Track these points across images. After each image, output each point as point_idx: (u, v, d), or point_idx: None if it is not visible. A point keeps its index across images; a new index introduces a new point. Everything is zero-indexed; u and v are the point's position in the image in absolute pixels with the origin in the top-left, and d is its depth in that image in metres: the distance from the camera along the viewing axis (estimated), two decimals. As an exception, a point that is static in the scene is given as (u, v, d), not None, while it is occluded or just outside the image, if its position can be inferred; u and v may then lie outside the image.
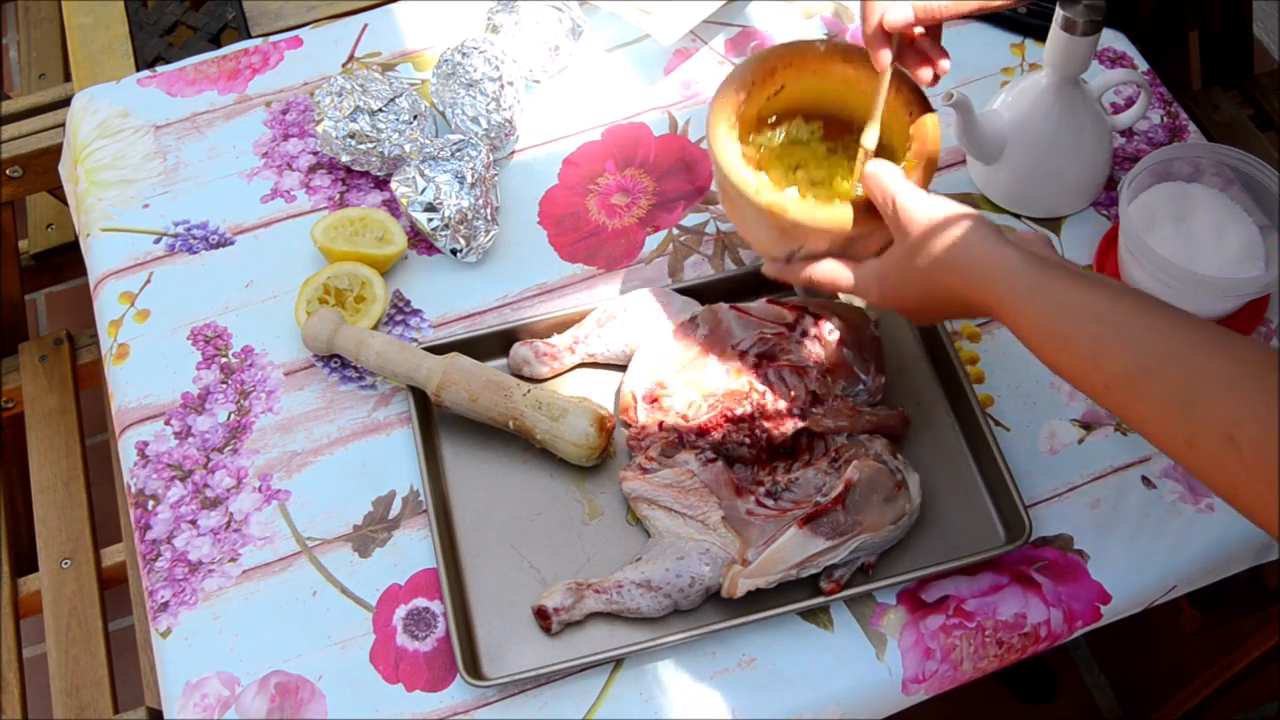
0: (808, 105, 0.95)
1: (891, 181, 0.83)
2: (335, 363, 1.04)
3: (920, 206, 0.81)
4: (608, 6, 1.22)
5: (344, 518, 0.96)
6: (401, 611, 0.92)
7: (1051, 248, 0.80)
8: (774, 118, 0.95)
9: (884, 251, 0.85)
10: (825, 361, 0.96)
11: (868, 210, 0.85)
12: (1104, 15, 0.97)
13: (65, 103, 1.36)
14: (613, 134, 1.18)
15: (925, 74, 0.90)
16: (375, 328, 1.04)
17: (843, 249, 0.87)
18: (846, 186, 0.93)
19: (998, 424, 0.99)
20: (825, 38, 0.92)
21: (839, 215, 0.85)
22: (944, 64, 0.90)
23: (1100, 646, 1.58)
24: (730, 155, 0.88)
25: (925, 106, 0.90)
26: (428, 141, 1.11)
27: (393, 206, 1.12)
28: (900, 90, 0.90)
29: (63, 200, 1.69)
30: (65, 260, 1.78)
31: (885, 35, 0.87)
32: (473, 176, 1.06)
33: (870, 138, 0.90)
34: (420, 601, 0.92)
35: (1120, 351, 0.69)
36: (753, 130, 0.94)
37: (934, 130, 0.89)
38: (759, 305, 1.01)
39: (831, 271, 0.88)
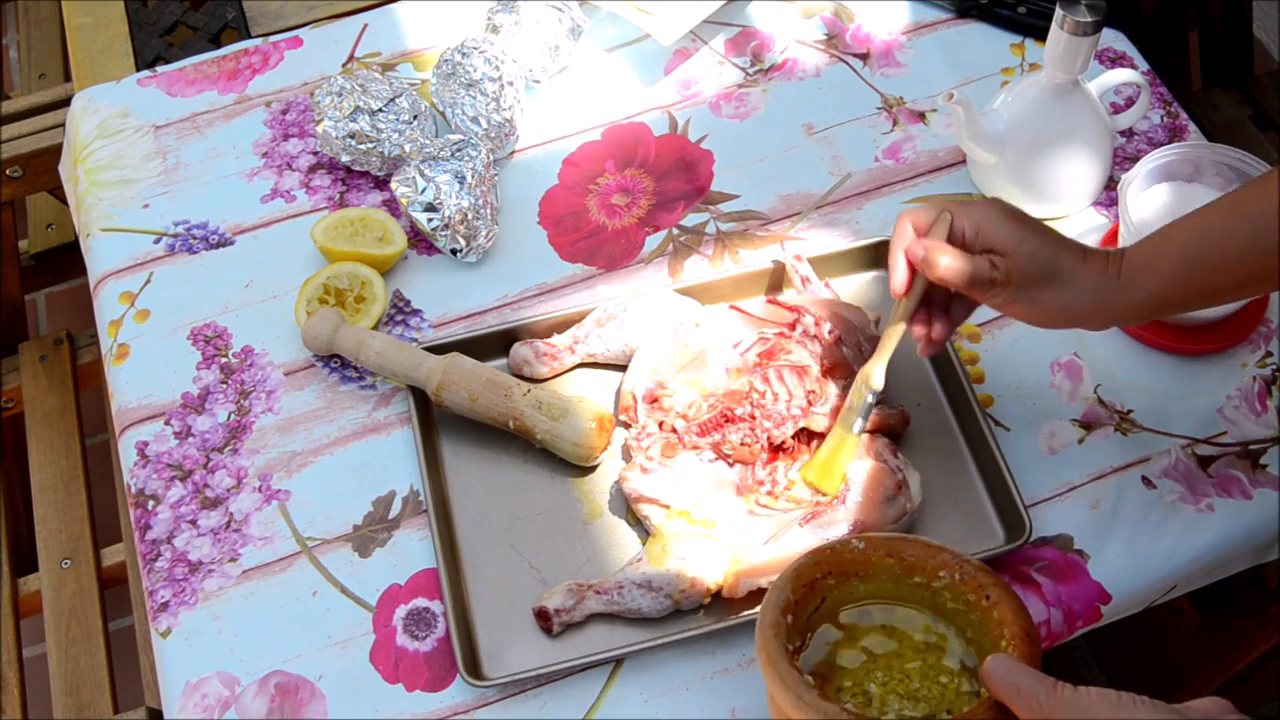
0: (849, 605, 0.80)
1: (1027, 675, 0.68)
2: (335, 363, 1.04)
3: (1078, 703, 0.65)
4: (608, 6, 1.22)
5: (344, 518, 0.96)
6: (401, 611, 0.92)
7: (1234, 710, 0.66)
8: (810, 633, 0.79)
9: None
10: (825, 361, 0.96)
11: (991, 716, 0.70)
12: (1104, 15, 0.97)
13: (65, 103, 1.36)
14: (613, 134, 1.18)
15: (918, 330, 0.89)
16: (375, 328, 1.04)
17: None
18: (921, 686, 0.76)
19: (998, 424, 0.99)
20: (860, 537, 0.79)
21: None
22: (938, 330, 0.89)
23: (1100, 646, 1.58)
24: (796, 692, 0.70)
25: (997, 583, 0.76)
26: (428, 141, 1.11)
27: (393, 206, 1.12)
28: (964, 575, 0.77)
29: (63, 200, 1.69)
30: (65, 260, 1.78)
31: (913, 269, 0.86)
32: (473, 176, 1.06)
33: (878, 377, 0.90)
34: (420, 601, 0.92)
35: None
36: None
37: (1019, 604, 0.75)
38: (759, 305, 1.01)
39: None
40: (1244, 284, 0.83)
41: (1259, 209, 0.79)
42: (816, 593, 0.78)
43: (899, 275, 0.87)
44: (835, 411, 0.95)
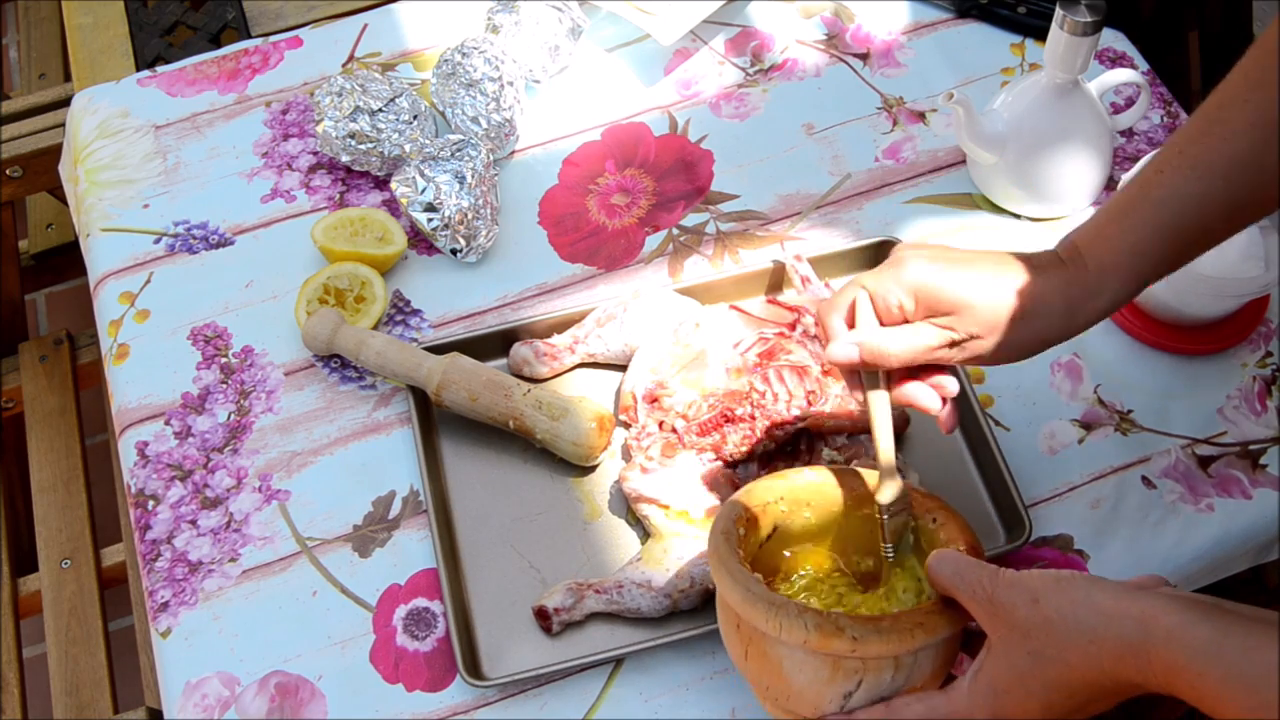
0: (803, 540, 0.81)
1: (970, 564, 0.68)
2: (335, 363, 1.04)
3: (1020, 581, 0.66)
4: (608, 6, 1.22)
5: (344, 518, 0.96)
6: (401, 611, 0.92)
7: (1168, 584, 0.66)
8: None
9: (942, 669, 0.72)
10: (825, 362, 0.96)
11: (938, 612, 0.71)
12: (1104, 15, 0.97)
13: (65, 103, 1.36)
14: (613, 134, 1.18)
15: (930, 402, 0.77)
16: (375, 328, 1.04)
17: (907, 674, 0.70)
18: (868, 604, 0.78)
19: (998, 424, 0.99)
20: (812, 467, 0.80)
21: (911, 625, 0.69)
22: (948, 384, 0.77)
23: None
24: (745, 585, 0.71)
25: (942, 506, 0.79)
26: (428, 141, 1.11)
27: (393, 206, 1.12)
28: (911, 500, 0.79)
29: (63, 200, 1.69)
30: (65, 260, 1.78)
31: (852, 372, 0.77)
32: (473, 176, 1.06)
33: (886, 493, 0.77)
34: (420, 601, 0.92)
35: None
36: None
37: (964, 523, 0.77)
38: (759, 305, 1.01)
39: (920, 713, 0.69)
40: (1221, 238, 0.77)
41: (1226, 156, 0.73)
42: (768, 517, 0.79)
43: (849, 381, 0.79)
44: (835, 412, 0.95)
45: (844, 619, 0.69)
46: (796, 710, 0.72)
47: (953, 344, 0.75)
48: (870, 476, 0.80)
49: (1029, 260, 0.75)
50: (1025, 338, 0.75)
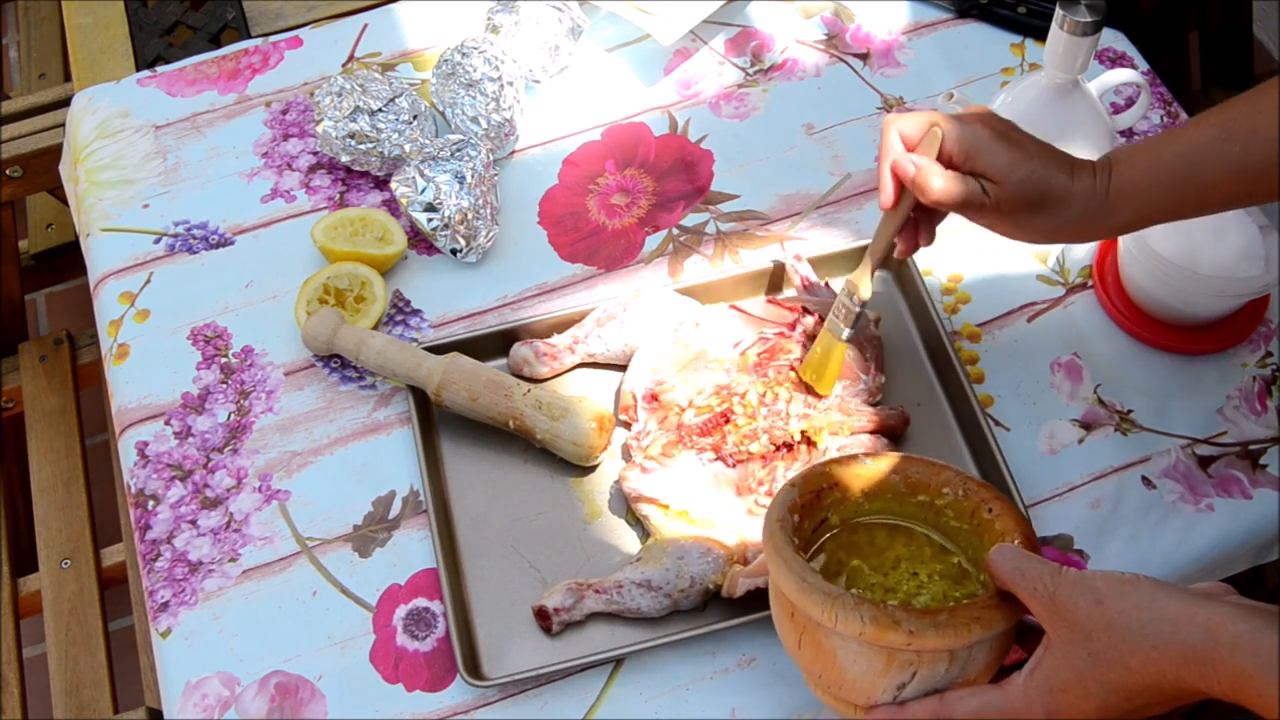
0: (854, 522, 0.81)
1: (1033, 560, 0.69)
2: (335, 363, 1.04)
3: (1083, 581, 0.66)
4: (608, 6, 1.22)
5: (344, 518, 0.96)
6: (401, 611, 0.92)
7: (1234, 593, 0.66)
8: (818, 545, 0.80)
9: (996, 662, 0.72)
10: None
11: (994, 607, 0.71)
12: (1104, 15, 0.97)
13: (65, 103, 1.36)
14: (613, 134, 1.18)
15: (902, 246, 0.89)
16: (375, 328, 1.04)
17: (961, 667, 0.70)
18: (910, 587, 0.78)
19: (998, 424, 0.99)
20: (868, 454, 0.82)
21: (968, 619, 0.69)
22: (923, 240, 0.89)
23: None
24: (801, 575, 0.71)
25: (998, 496, 0.78)
26: (428, 141, 1.11)
27: (393, 206, 1.12)
28: (967, 491, 0.79)
29: (63, 200, 1.69)
30: (65, 260, 1.78)
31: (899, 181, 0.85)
32: (473, 176, 1.06)
33: (865, 288, 0.89)
34: (420, 601, 0.92)
35: None
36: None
37: (1019, 515, 0.77)
38: (759, 305, 1.01)
39: (974, 708, 0.69)
40: (1234, 201, 0.85)
41: (1250, 129, 0.78)
42: (822, 505, 0.79)
43: (887, 190, 0.85)
44: (835, 412, 0.95)
45: (900, 612, 0.69)
46: (849, 699, 0.73)
47: (980, 205, 0.83)
48: (924, 463, 0.81)
49: (1072, 163, 0.83)
50: (1040, 225, 0.84)
